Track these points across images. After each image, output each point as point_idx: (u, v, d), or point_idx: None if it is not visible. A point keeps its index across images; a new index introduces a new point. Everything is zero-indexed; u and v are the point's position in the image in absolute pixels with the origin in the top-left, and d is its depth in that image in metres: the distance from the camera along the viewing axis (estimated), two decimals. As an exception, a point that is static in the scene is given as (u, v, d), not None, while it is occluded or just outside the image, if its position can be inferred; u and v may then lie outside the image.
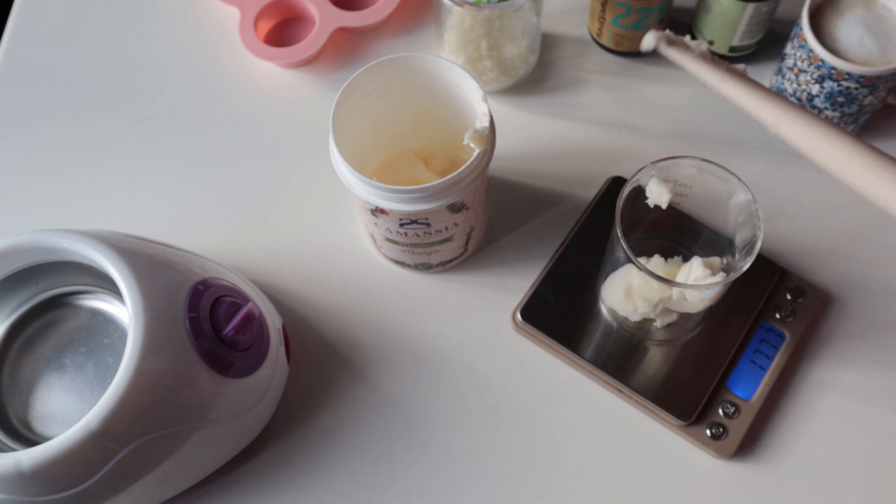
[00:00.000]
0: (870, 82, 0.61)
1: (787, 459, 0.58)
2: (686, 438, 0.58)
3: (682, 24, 0.73)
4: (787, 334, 0.60)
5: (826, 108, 0.64)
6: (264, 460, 0.59)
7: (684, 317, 0.57)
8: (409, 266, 0.64)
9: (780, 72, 0.67)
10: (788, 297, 0.61)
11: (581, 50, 0.73)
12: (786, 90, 0.66)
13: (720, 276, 0.54)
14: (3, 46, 0.76)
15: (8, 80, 0.75)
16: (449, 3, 0.63)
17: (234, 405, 0.53)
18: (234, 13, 0.76)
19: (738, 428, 0.58)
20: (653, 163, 0.53)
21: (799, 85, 0.64)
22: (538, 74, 0.72)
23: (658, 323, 0.58)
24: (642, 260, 0.57)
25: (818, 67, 0.62)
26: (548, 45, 0.74)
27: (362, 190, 0.54)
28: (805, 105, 0.65)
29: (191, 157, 0.71)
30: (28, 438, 0.52)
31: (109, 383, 0.46)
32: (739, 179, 0.53)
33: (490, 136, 0.55)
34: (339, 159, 0.54)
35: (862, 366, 0.61)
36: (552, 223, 0.66)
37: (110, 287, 0.55)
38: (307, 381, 0.62)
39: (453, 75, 0.57)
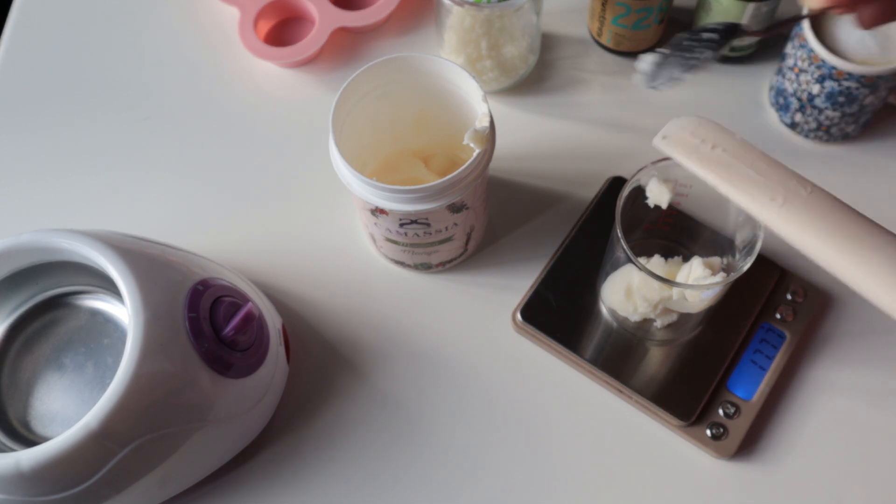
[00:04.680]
0: (870, 82, 0.61)
1: (787, 459, 0.58)
2: (686, 438, 0.58)
3: (683, 24, 0.73)
4: (787, 334, 0.60)
5: (826, 108, 0.64)
6: (264, 460, 0.59)
7: (684, 317, 0.57)
8: (409, 266, 0.64)
9: (780, 72, 0.67)
10: (789, 297, 0.61)
11: (581, 50, 0.73)
12: (786, 90, 0.66)
13: (720, 277, 0.54)
14: (2, 47, 0.76)
15: (8, 80, 0.75)
16: (449, 3, 0.63)
17: (234, 405, 0.53)
18: (234, 13, 0.76)
19: (738, 428, 0.58)
20: (653, 163, 0.53)
21: (799, 85, 0.64)
22: (538, 74, 0.72)
23: (658, 323, 0.58)
24: (642, 260, 0.57)
25: (819, 67, 0.62)
26: (548, 45, 0.74)
27: (362, 190, 0.54)
28: (806, 105, 0.65)
29: (190, 157, 0.71)
30: (28, 438, 0.52)
31: (109, 383, 0.46)
32: (739, 179, 0.52)
33: (490, 136, 0.55)
34: (339, 159, 0.54)
35: (862, 366, 0.60)
36: (552, 223, 0.66)
37: (110, 287, 0.55)
38: (307, 381, 0.62)
39: (453, 75, 0.57)
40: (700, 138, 0.48)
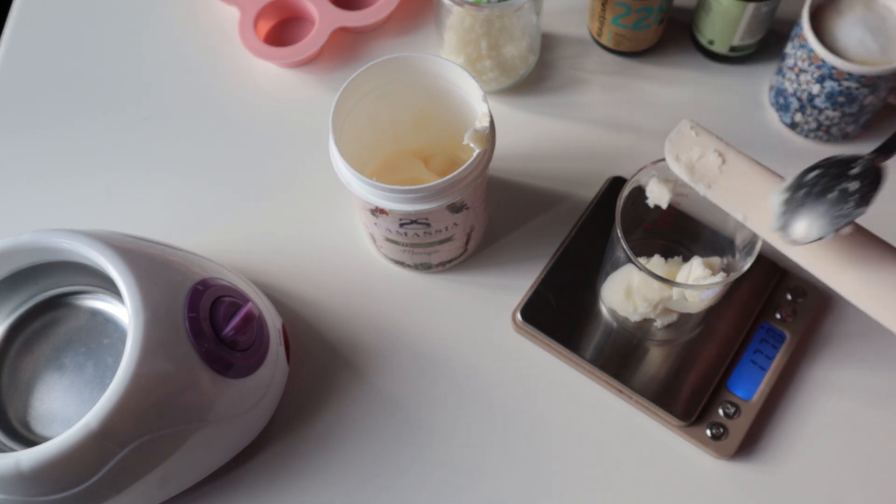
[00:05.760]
0: (870, 82, 0.61)
1: (787, 459, 0.58)
2: (686, 438, 0.58)
3: (682, 24, 0.73)
4: (787, 334, 0.60)
5: (827, 108, 0.64)
6: (264, 460, 0.59)
7: (684, 317, 0.57)
8: (409, 266, 0.64)
9: (780, 72, 0.67)
10: (789, 297, 0.61)
11: (581, 50, 0.73)
12: (786, 90, 0.66)
13: (720, 276, 0.54)
14: (2, 47, 0.76)
15: (8, 80, 0.75)
16: (449, 3, 0.63)
17: (233, 405, 0.53)
18: (233, 13, 0.76)
19: (738, 428, 0.58)
20: (653, 163, 0.53)
21: (799, 85, 0.64)
22: (538, 74, 0.72)
23: (658, 323, 0.58)
24: (642, 260, 0.57)
25: (819, 67, 0.62)
26: (548, 45, 0.74)
27: (362, 190, 0.54)
28: (806, 105, 0.65)
29: (190, 157, 0.71)
30: (28, 439, 0.52)
31: (109, 383, 0.46)
32: (740, 179, 0.52)
33: (490, 136, 0.55)
34: (339, 159, 0.54)
35: (862, 366, 0.60)
36: (552, 223, 0.66)
37: (110, 287, 0.55)
38: (307, 381, 0.62)
39: (453, 75, 0.57)
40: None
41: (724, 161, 0.45)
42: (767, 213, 0.44)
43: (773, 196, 0.44)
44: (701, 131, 0.47)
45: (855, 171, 0.42)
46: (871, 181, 0.42)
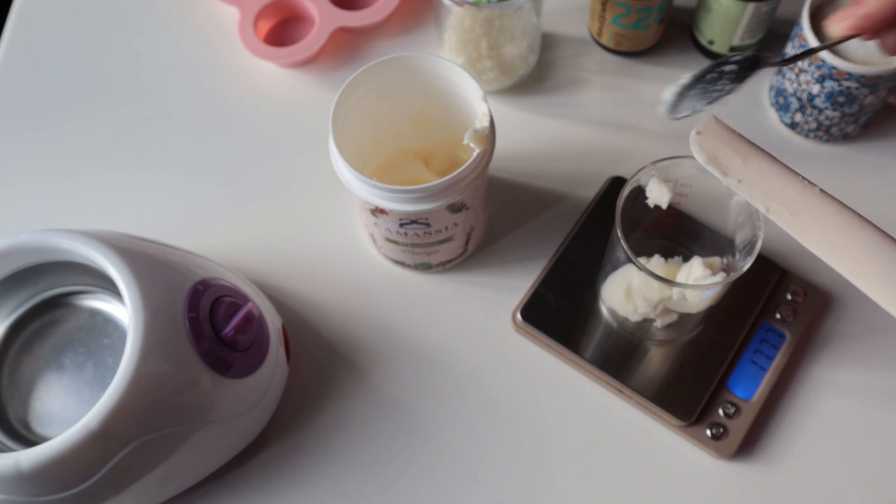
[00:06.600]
0: (870, 82, 0.61)
1: (787, 459, 0.58)
2: (686, 438, 0.58)
3: (683, 24, 0.73)
4: (787, 334, 0.60)
5: (826, 108, 0.64)
6: (264, 460, 0.59)
7: (684, 317, 0.57)
8: (409, 266, 0.64)
9: (780, 72, 0.67)
10: (789, 297, 0.61)
11: (581, 50, 0.73)
12: (786, 90, 0.66)
13: (720, 276, 0.54)
14: (2, 47, 0.76)
15: (8, 80, 0.75)
16: (449, 3, 0.63)
17: (233, 405, 0.53)
18: (233, 13, 0.76)
19: (738, 428, 0.58)
20: (653, 163, 0.53)
21: (799, 85, 0.64)
22: (538, 74, 0.72)
23: (658, 323, 0.58)
24: (642, 260, 0.57)
25: (819, 67, 0.62)
26: (548, 45, 0.74)
27: (362, 190, 0.54)
28: (806, 105, 0.65)
29: (190, 157, 0.71)
30: (27, 439, 0.52)
31: (109, 383, 0.46)
32: (739, 179, 0.52)
33: (490, 136, 0.55)
34: (338, 159, 0.54)
35: (862, 366, 0.61)
36: (552, 223, 0.66)
37: (110, 287, 0.55)
38: (307, 381, 0.62)
39: (453, 75, 0.57)
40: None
41: (746, 157, 0.48)
42: (785, 204, 0.47)
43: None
44: (725, 128, 0.50)
45: (737, 58, 0.47)
46: (749, 66, 0.46)
